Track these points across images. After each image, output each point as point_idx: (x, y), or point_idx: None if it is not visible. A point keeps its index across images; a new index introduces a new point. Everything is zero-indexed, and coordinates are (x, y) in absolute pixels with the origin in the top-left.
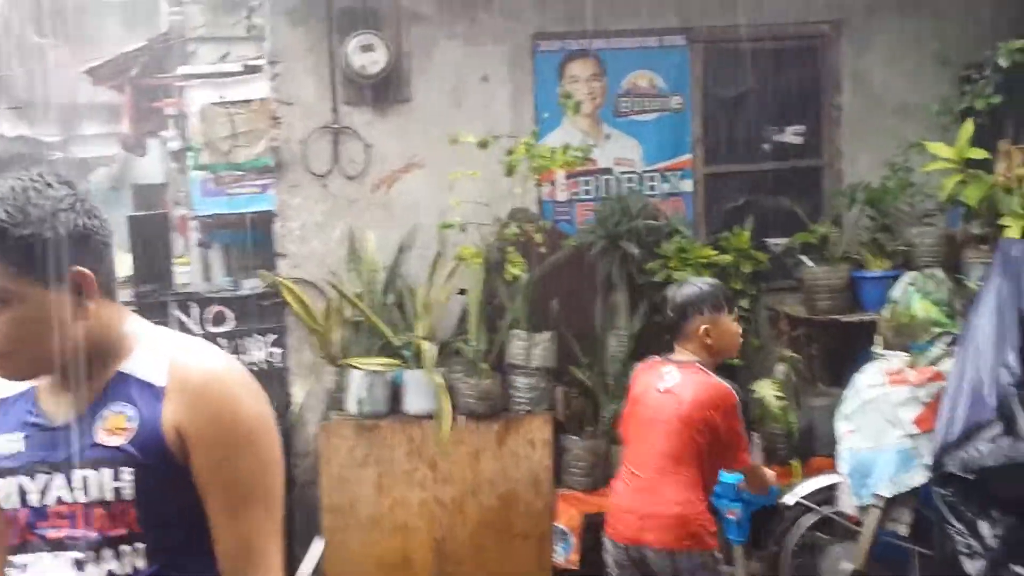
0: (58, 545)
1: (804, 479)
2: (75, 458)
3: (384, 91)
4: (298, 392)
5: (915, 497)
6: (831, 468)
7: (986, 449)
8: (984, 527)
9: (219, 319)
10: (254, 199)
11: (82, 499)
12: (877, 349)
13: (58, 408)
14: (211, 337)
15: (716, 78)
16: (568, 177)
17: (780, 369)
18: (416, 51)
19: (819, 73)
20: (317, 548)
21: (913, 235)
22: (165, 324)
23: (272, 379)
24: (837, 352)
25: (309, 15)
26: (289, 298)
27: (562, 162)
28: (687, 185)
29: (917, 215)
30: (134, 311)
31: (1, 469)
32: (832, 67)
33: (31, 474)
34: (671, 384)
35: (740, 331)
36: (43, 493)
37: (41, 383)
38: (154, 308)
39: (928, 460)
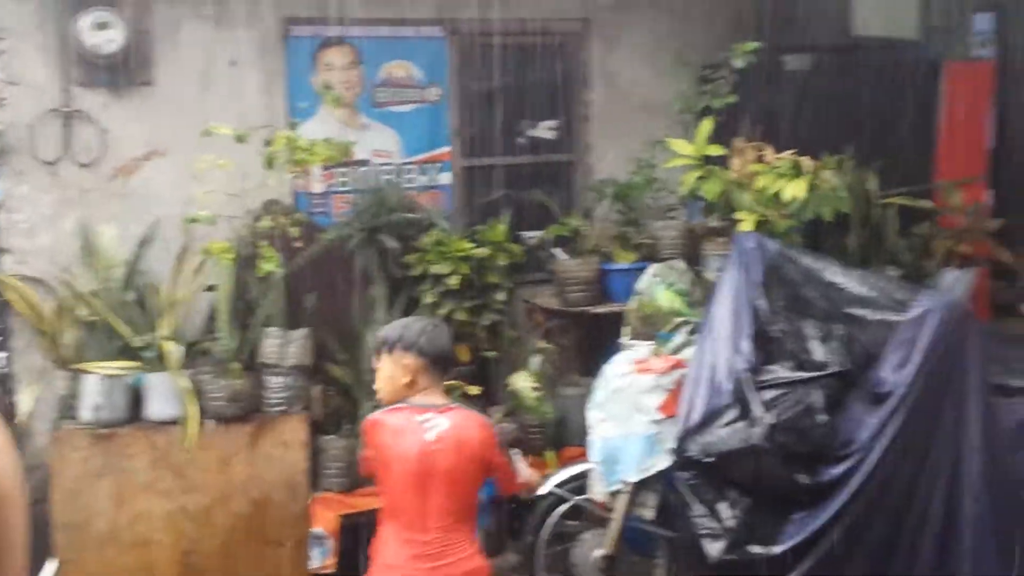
0: None
1: (558, 469)
2: None
3: (122, 72)
4: (25, 400)
5: (660, 481)
6: (585, 457)
7: (723, 433)
8: (723, 509)
9: None
10: None
11: None
12: (625, 339)
13: None
14: None
15: (473, 71)
16: (324, 168)
17: (535, 361)
18: (160, 31)
19: (570, 69)
20: (50, 570)
21: (657, 228)
22: None
23: None
24: (589, 343)
25: None
26: (12, 297)
27: (324, 156)
28: (445, 178)
29: (661, 209)
30: None
31: None
32: (582, 64)
33: None
34: (440, 432)
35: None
36: None
37: None
38: None
39: (671, 445)
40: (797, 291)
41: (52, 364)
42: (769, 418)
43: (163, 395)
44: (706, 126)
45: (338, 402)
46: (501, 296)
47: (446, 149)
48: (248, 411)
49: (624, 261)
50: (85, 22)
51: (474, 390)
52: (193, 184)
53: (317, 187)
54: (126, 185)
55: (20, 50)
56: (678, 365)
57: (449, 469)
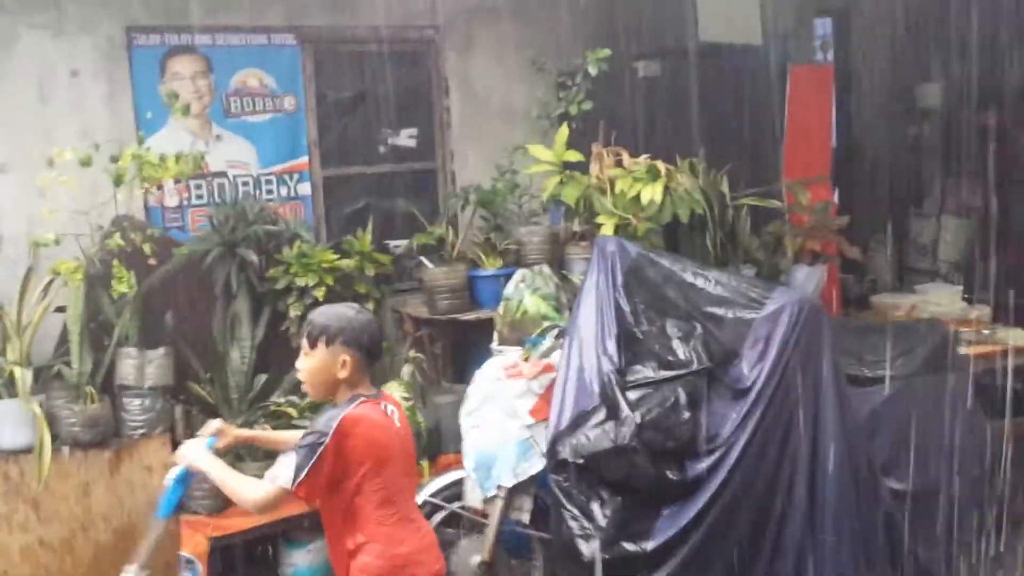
0: None
1: (433, 478)
2: None
3: None
4: None
5: (534, 485)
6: (460, 464)
7: (593, 435)
8: (596, 508)
9: None
10: None
11: None
12: (495, 345)
13: None
14: None
15: (329, 79)
16: (177, 182)
17: (406, 370)
18: None
19: (429, 77)
20: None
21: (522, 234)
22: None
23: None
24: (460, 350)
25: None
26: None
27: (175, 172)
28: (305, 188)
29: (525, 215)
30: None
31: None
32: (440, 71)
33: None
34: (398, 417)
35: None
36: None
37: None
38: None
39: (544, 448)
40: (658, 292)
41: None
42: (636, 417)
43: (14, 423)
44: (564, 132)
45: (203, 422)
46: (370, 307)
47: (304, 159)
48: (106, 436)
49: (491, 267)
50: None
51: None
52: (37, 201)
53: (171, 201)
54: None
55: None
56: (547, 369)
57: (413, 450)
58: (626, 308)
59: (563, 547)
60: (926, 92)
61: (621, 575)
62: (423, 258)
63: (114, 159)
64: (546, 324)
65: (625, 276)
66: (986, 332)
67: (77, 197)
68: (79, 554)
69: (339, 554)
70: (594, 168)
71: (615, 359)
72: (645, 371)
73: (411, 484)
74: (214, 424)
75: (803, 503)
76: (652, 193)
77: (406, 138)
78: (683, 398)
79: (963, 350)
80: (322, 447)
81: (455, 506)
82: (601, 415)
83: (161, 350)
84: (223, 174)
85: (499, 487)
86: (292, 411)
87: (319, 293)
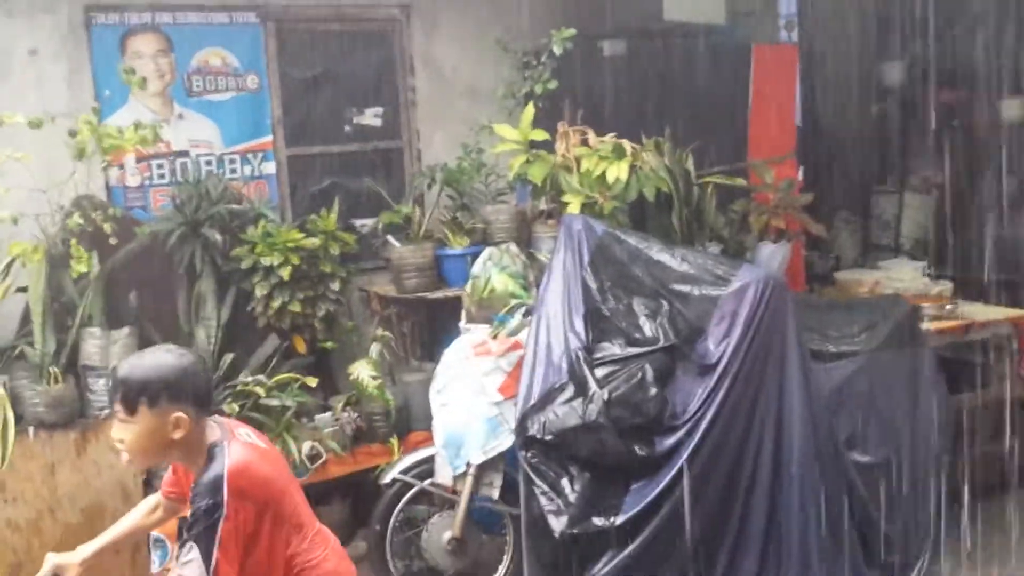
0: None
1: (403, 455)
2: None
3: None
4: None
5: (503, 461)
6: (430, 442)
7: (561, 411)
8: (565, 484)
9: None
10: None
11: None
12: (463, 323)
13: None
14: None
15: (293, 58)
16: (139, 161)
17: (374, 349)
18: None
19: (393, 55)
20: None
21: (489, 213)
22: None
23: None
24: (428, 328)
25: None
26: None
27: (134, 141)
28: (270, 167)
29: (491, 194)
30: None
31: None
32: (405, 50)
33: None
34: (264, 440)
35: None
36: None
37: None
38: None
39: (513, 425)
40: (625, 270)
41: None
42: (603, 394)
43: None
44: (529, 111)
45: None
46: (335, 286)
47: (268, 138)
48: (72, 416)
49: (458, 246)
50: None
51: (312, 382)
52: None
53: (132, 180)
54: None
55: None
56: (516, 346)
57: (283, 457)
58: (593, 286)
59: (533, 523)
60: (889, 70)
61: (591, 550)
62: (390, 237)
63: (72, 133)
64: (514, 302)
65: (592, 254)
66: (948, 307)
67: (35, 177)
68: (46, 535)
69: None
70: (560, 147)
71: (582, 336)
72: (612, 348)
73: (299, 490)
74: (50, 562)
75: (768, 476)
76: (618, 172)
77: (372, 117)
78: (650, 374)
79: (926, 325)
80: (220, 521)
81: (426, 483)
82: (569, 392)
83: (125, 330)
84: (186, 153)
85: (468, 464)
86: (259, 390)
87: (284, 273)
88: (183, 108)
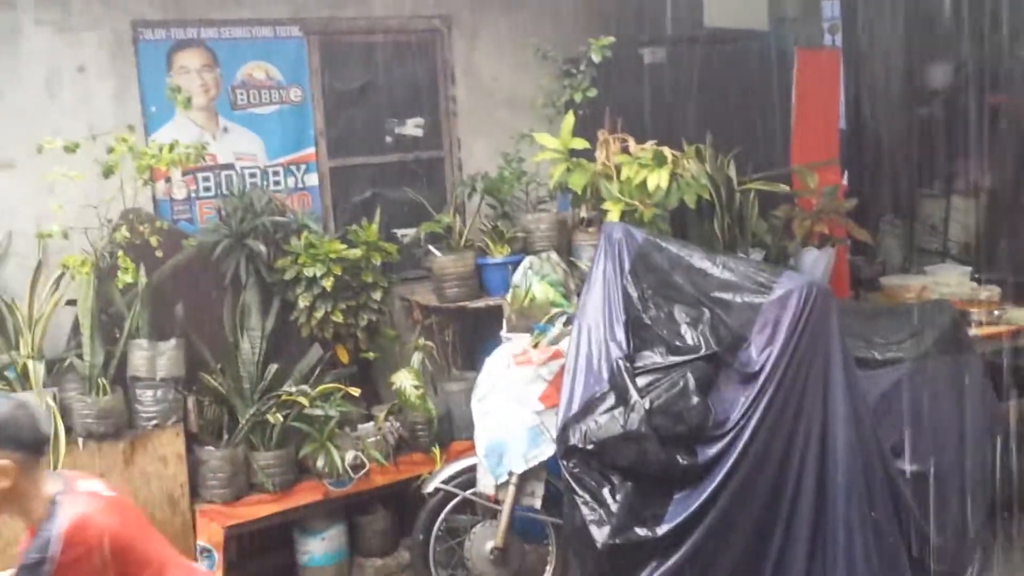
0: None
1: (445, 465)
2: None
3: None
4: None
5: (545, 470)
6: (472, 451)
7: (602, 420)
8: (606, 494)
9: None
10: None
11: None
12: (504, 332)
13: None
14: None
15: (335, 70)
16: (185, 174)
17: (416, 358)
18: None
19: (434, 66)
20: None
21: (529, 221)
22: None
23: None
24: (469, 337)
25: None
26: None
27: (170, 160)
28: (312, 179)
29: (532, 202)
30: None
31: None
32: (446, 60)
33: None
34: (109, 487)
35: None
36: None
37: None
38: None
39: (554, 434)
40: (665, 277)
41: None
42: (645, 403)
43: None
44: (569, 120)
45: (215, 412)
46: (377, 295)
47: (311, 150)
48: (120, 427)
49: (498, 255)
50: None
51: (355, 391)
52: (45, 197)
53: (179, 193)
54: None
55: None
56: (556, 355)
57: (134, 506)
58: (634, 294)
59: (575, 532)
60: (935, 72)
61: (634, 560)
62: (431, 246)
63: (109, 150)
64: (554, 311)
65: (632, 262)
66: (996, 313)
67: (85, 192)
68: None
69: None
70: (600, 155)
71: (623, 345)
72: (654, 356)
73: (153, 535)
74: None
75: (813, 486)
76: (658, 179)
77: (412, 127)
78: (692, 383)
79: (973, 331)
80: None
81: (468, 493)
82: (610, 401)
83: (172, 341)
84: (231, 166)
85: (510, 473)
86: (303, 400)
87: (327, 283)
88: (228, 121)
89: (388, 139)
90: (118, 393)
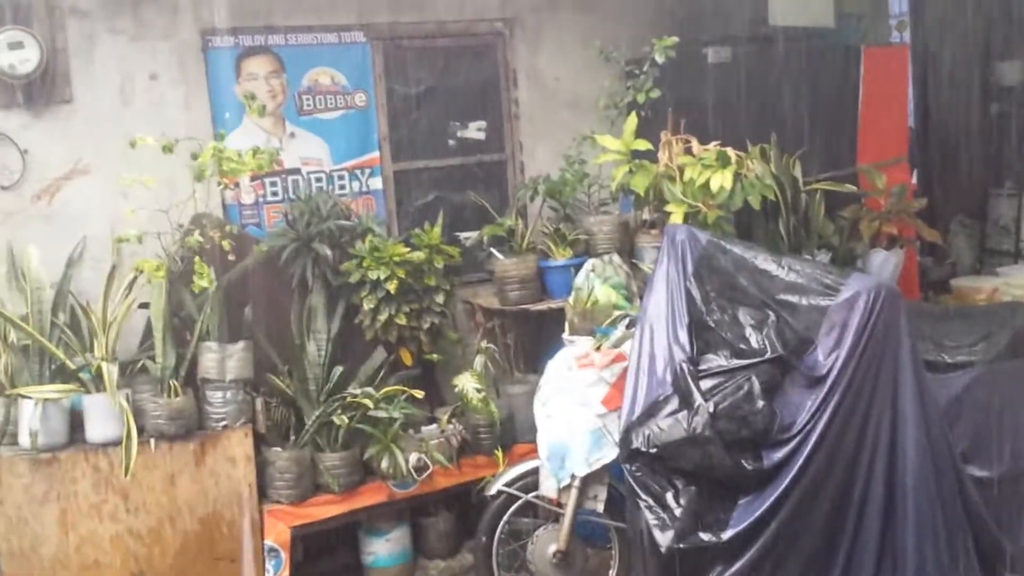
0: None
1: (507, 467)
2: None
3: (40, 91)
4: None
5: (608, 473)
6: (534, 454)
7: (666, 424)
8: (670, 498)
9: None
10: None
11: None
12: (566, 335)
13: None
14: None
15: (399, 75)
16: (253, 179)
17: (478, 361)
18: (75, 48)
19: (497, 69)
20: None
21: (591, 223)
22: None
23: None
24: (531, 340)
25: None
26: None
27: (253, 166)
28: (377, 183)
29: (594, 204)
30: None
31: None
32: (508, 63)
33: None
34: None
35: None
36: None
37: None
38: None
39: (616, 438)
40: (729, 280)
41: None
42: (709, 406)
43: (102, 416)
44: (632, 121)
45: (282, 413)
46: (440, 298)
47: (375, 154)
48: (190, 428)
49: (561, 257)
50: None
51: (418, 394)
52: (119, 201)
53: (247, 198)
54: (51, 206)
55: None
56: (619, 358)
57: None
58: (697, 296)
59: (639, 537)
60: (1006, 69)
61: (699, 565)
62: (493, 249)
63: (195, 156)
64: (617, 313)
65: (696, 264)
66: None
67: (157, 196)
68: (166, 543)
69: None
70: (663, 156)
71: (687, 348)
72: (718, 360)
73: None
74: None
75: (882, 491)
76: (722, 180)
77: (475, 131)
78: (757, 387)
79: None
80: None
81: (531, 496)
82: (674, 404)
83: (241, 344)
84: (297, 171)
85: (573, 476)
86: (368, 402)
87: (391, 286)
88: (294, 127)
89: (451, 142)
90: (189, 395)
